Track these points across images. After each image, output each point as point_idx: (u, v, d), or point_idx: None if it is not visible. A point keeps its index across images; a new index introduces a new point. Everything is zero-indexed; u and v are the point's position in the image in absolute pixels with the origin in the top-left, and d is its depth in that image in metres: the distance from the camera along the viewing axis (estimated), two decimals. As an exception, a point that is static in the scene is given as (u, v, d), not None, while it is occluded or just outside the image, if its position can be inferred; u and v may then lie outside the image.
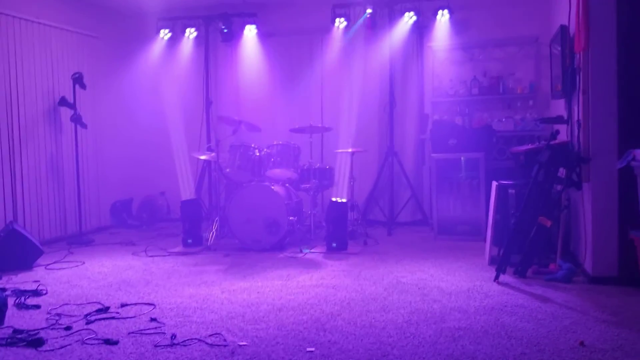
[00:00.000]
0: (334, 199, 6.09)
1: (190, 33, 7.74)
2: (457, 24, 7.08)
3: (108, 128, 7.76)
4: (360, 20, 7.22)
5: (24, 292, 4.51)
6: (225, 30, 7.54)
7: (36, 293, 4.52)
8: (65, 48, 7.00)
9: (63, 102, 6.74)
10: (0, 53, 6.08)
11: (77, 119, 6.71)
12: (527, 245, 4.76)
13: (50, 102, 6.77)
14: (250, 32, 7.57)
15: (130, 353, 3.28)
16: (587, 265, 4.63)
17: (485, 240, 5.64)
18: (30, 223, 6.44)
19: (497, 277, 4.67)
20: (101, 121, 7.60)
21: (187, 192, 7.55)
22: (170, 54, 8.04)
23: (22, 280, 5.01)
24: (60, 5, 7.04)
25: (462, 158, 6.60)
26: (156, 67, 8.06)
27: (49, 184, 6.74)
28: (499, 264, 4.72)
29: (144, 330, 3.65)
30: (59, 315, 3.98)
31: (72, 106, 6.73)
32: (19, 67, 6.31)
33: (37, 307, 4.18)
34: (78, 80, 6.72)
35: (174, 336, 3.49)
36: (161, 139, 8.03)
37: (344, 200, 6.13)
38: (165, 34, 7.77)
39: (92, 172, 7.42)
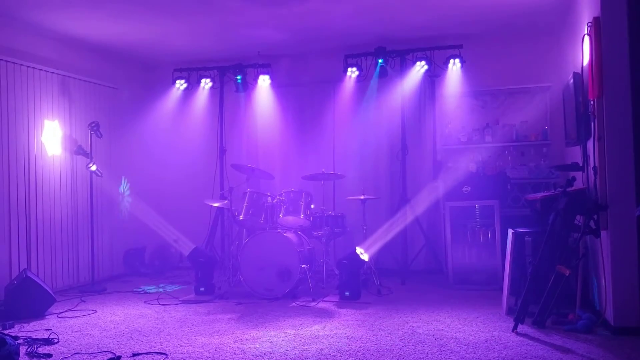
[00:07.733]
0: (358, 250, 6.02)
1: (206, 84, 7.86)
2: (469, 73, 7.12)
3: (123, 177, 7.81)
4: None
5: (35, 341, 4.48)
6: (240, 81, 7.66)
7: (48, 342, 4.48)
8: (83, 98, 7.14)
9: (79, 150, 6.83)
10: (20, 102, 6.21)
11: (92, 168, 6.79)
12: (545, 295, 4.66)
13: (67, 150, 6.86)
14: (264, 82, 7.68)
15: (141, 404, 3.21)
16: (608, 315, 4.52)
17: (501, 290, 5.53)
18: (44, 271, 6.44)
19: (515, 328, 4.56)
20: (116, 170, 7.67)
21: (199, 240, 7.54)
22: (185, 104, 8.19)
23: (34, 328, 4.97)
24: (80, 57, 7.21)
25: (476, 205, 6.54)
26: (171, 116, 8.20)
27: (63, 232, 6.76)
28: (517, 314, 4.62)
29: (156, 380, 3.59)
30: (69, 364, 3.93)
31: (88, 155, 6.82)
32: (37, 116, 6.43)
33: (49, 355, 4.13)
34: (94, 129, 6.83)
35: (185, 387, 3.42)
36: (175, 187, 8.17)
37: (366, 257, 6.07)
38: (181, 85, 7.90)
39: (106, 220, 7.44)
